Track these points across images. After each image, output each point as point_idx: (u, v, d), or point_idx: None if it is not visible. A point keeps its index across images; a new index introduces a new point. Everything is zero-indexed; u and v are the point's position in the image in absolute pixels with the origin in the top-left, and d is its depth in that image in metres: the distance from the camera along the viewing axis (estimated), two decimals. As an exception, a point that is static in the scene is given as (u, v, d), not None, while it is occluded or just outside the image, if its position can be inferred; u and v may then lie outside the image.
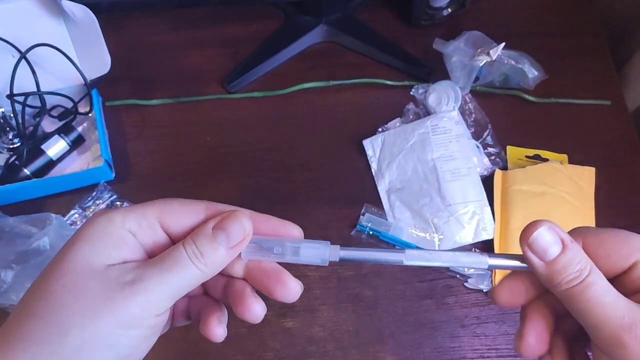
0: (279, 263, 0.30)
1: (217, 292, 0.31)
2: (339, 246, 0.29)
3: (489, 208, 0.63)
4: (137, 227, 0.27)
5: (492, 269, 0.28)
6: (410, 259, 0.29)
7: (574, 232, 0.28)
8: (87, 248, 0.26)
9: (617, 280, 0.27)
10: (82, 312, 0.24)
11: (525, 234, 0.27)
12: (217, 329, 0.29)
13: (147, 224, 0.27)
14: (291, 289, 0.29)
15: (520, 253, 0.28)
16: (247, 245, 0.28)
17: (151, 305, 0.25)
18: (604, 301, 0.25)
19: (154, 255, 0.27)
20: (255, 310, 0.29)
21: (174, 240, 0.28)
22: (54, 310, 0.24)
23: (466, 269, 0.60)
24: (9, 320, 0.25)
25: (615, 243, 0.27)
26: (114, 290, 0.25)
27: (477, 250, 0.61)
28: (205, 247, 0.27)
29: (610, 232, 0.27)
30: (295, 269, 0.31)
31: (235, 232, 0.27)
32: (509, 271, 0.30)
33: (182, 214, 0.28)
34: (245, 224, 0.27)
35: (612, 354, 0.25)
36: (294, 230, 0.30)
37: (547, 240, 0.27)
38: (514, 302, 0.30)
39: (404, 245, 0.61)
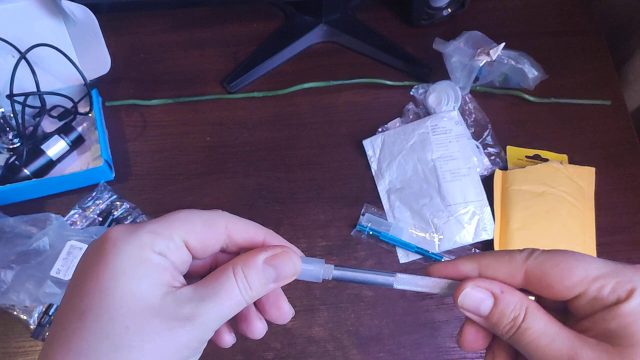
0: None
1: None
2: (332, 265, 0.30)
3: (489, 208, 0.63)
4: (166, 249, 0.27)
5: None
6: (400, 283, 0.30)
7: (518, 263, 0.28)
8: (135, 282, 0.25)
9: (568, 302, 0.27)
10: (151, 354, 0.25)
11: (455, 297, 0.29)
12: (259, 324, 0.30)
13: (174, 246, 0.27)
14: (285, 313, 0.30)
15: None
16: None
17: (207, 335, 0.26)
18: (540, 345, 0.26)
19: (183, 272, 0.28)
20: (259, 329, 0.30)
21: (194, 256, 0.28)
22: (122, 354, 0.24)
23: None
24: None
25: (557, 275, 0.27)
26: (176, 328, 0.25)
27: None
28: (255, 282, 0.27)
29: (554, 259, 0.27)
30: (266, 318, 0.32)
31: (286, 271, 0.28)
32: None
33: (206, 236, 0.28)
34: (297, 265, 0.28)
35: None
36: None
37: (476, 297, 0.28)
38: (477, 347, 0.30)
39: (404, 245, 0.62)
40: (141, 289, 0.25)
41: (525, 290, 0.28)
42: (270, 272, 0.28)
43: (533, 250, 0.28)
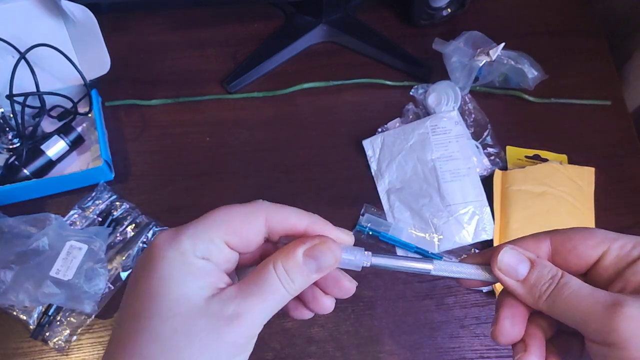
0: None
1: None
2: (370, 253, 0.30)
3: (488, 208, 0.63)
4: (207, 252, 0.27)
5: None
6: (438, 270, 0.30)
7: (542, 235, 0.30)
8: (180, 287, 0.26)
9: (590, 273, 0.29)
10: (200, 353, 0.25)
11: (493, 260, 0.29)
12: (327, 300, 0.31)
13: (215, 248, 0.27)
14: (347, 290, 0.30)
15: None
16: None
17: (253, 331, 0.27)
18: (582, 294, 0.27)
19: (228, 272, 0.28)
20: (327, 305, 0.31)
21: (238, 251, 0.29)
22: (172, 355, 0.25)
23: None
24: None
25: (580, 237, 0.28)
26: (222, 327, 0.26)
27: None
28: (297, 275, 0.27)
29: (576, 228, 0.29)
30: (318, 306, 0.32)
31: (327, 262, 0.28)
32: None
33: (245, 231, 0.28)
34: (336, 254, 0.28)
35: (607, 341, 0.25)
36: (345, 237, 0.31)
37: (514, 260, 0.29)
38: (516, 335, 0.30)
39: (403, 246, 0.61)
40: (187, 293, 0.26)
41: None
42: (311, 264, 0.28)
43: (550, 230, 0.30)
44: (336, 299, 0.31)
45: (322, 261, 0.28)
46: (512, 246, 0.29)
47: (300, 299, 0.31)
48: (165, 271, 0.26)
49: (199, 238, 0.27)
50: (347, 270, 0.30)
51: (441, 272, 0.30)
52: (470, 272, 0.30)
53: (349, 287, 0.30)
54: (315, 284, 0.30)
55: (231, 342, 0.26)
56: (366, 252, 0.30)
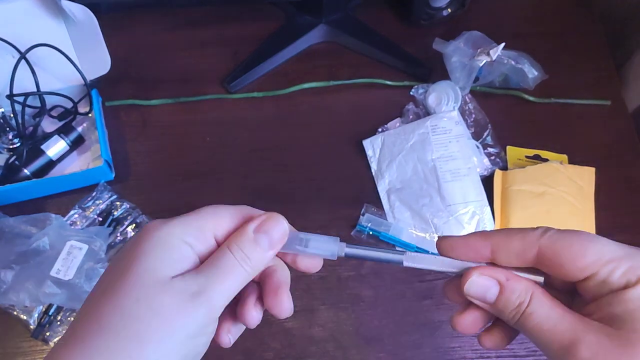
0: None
1: None
2: (345, 243, 0.31)
3: (488, 208, 0.63)
4: (194, 240, 0.28)
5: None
6: (410, 260, 0.30)
7: (528, 232, 0.29)
8: (153, 261, 0.27)
9: (577, 283, 0.28)
10: (158, 326, 0.25)
11: (461, 285, 0.29)
12: (254, 312, 0.30)
13: (203, 238, 0.29)
14: (282, 304, 0.30)
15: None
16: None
17: (214, 312, 0.27)
18: (543, 329, 0.27)
19: (205, 259, 0.29)
20: (253, 317, 0.31)
21: (219, 243, 0.30)
22: (131, 323, 0.25)
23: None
24: (78, 332, 0.26)
25: (570, 255, 0.27)
26: (184, 303, 0.26)
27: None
28: (251, 251, 0.28)
29: (570, 239, 0.27)
30: (295, 269, 0.31)
31: (276, 233, 0.29)
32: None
33: (233, 229, 0.29)
34: (284, 225, 0.29)
35: None
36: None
37: (483, 285, 0.29)
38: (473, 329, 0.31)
39: (404, 246, 0.61)
40: (156, 267, 0.26)
41: (535, 270, 0.29)
42: (263, 238, 0.29)
43: (547, 229, 0.28)
44: (272, 323, 0.32)
45: (272, 234, 0.29)
46: (480, 272, 0.29)
47: (228, 314, 0.31)
48: (144, 247, 0.27)
49: (191, 225, 0.28)
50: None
51: (413, 264, 0.30)
52: (442, 264, 0.30)
53: (286, 302, 0.30)
54: (259, 285, 0.31)
55: (192, 320, 0.26)
56: (341, 242, 0.31)
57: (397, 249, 0.30)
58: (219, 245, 0.29)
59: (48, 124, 0.67)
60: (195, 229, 0.28)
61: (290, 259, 0.31)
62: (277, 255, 0.30)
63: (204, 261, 0.29)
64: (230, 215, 0.30)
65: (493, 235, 0.29)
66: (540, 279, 0.29)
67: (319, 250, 0.31)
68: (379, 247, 0.62)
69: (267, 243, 0.29)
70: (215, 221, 0.29)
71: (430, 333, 0.59)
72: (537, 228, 0.29)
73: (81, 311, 0.27)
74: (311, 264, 0.31)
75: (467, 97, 0.69)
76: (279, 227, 0.29)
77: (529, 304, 0.27)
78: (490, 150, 0.67)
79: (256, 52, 0.73)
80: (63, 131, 0.64)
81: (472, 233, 0.30)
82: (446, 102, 0.67)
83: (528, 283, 0.28)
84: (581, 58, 0.74)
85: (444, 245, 0.30)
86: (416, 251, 0.61)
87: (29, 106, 0.63)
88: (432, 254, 0.31)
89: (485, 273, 0.29)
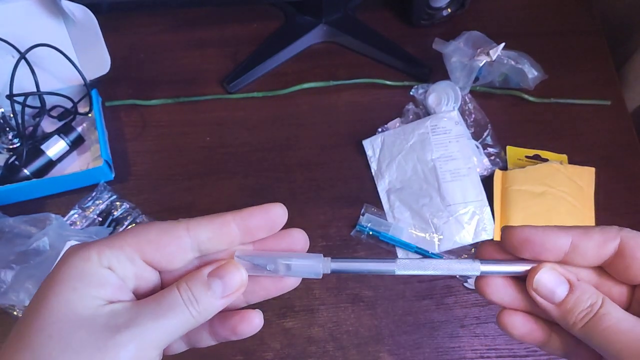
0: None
1: None
2: (329, 259, 0.28)
3: (488, 208, 0.63)
4: (115, 262, 0.25)
5: (484, 274, 0.28)
6: (402, 268, 0.28)
7: (606, 228, 0.28)
8: (68, 292, 0.24)
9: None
10: None
11: (529, 279, 0.27)
12: (256, 319, 0.28)
13: (125, 258, 0.25)
14: (253, 324, 0.28)
15: (513, 258, 0.28)
16: (240, 262, 0.28)
17: (147, 352, 0.24)
18: (621, 329, 0.25)
19: (142, 292, 0.26)
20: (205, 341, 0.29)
21: (159, 271, 0.27)
22: None
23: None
24: None
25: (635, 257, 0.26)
26: (104, 339, 0.23)
27: (466, 256, 0.61)
28: (201, 295, 0.26)
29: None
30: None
31: (232, 281, 0.26)
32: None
33: (162, 242, 0.26)
34: (242, 274, 0.27)
35: None
36: (299, 237, 0.29)
37: (552, 282, 0.27)
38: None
39: (404, 246, 0.61)
40: (73, 299, 0.24)
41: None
42: (216, 283, 0.26)
43: (621, 228, 0.27)
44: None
45: (227, 281, 0.26)
46: (553, 266, 0.27)
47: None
48: (60, 276, 0.24)
49: (108, 246, 0.25)
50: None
51: (407, 271, 0.28)
52: (437, 268, 0.28)
53: (255, 322, 0.28)
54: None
55: (113, 358, 0.23)
56: (325, 258, 0.28)
57: (385, 259, 0.28)
58: (150, 264, 0.26)
59: (48, 124, 0.67)
60: (113, 248, 0.25)
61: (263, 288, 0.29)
62: (254, 277, 0.28)
63: (142, 289, 0.26)
64: (159, 230, 0.26)
65: (571, 228, 0.27)
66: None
67: (303, 271, 0.28)
68: (377, 247, 0.62)
69: (220, 290, 0.26)
70: (138, 238, 0.26)
71: (430, 333, 0.59)
72: (612, 226, 0.28)
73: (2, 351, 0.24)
74: (285, 286, 0.29)
75: (467, 97, 0.69)
76: (236, 276, 0.26)
77: (602, 305, 0.26)
78: (490, 150, 0.67)
79: (256, 52, 0.73)
80: (63, 131, 0.64)
81: (546, 226, 0.27)
82: (446, 102, 0.67)
83: (595, 289, 0.27)
84: (581, 58, 0.74)
85: (515, 236, 0.27)
86: (415, 252, 0.61)
87: (29, 106, 0.63)
88: (424, 255, 0.30)
89: (557, 268, 0.27)
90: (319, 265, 0.28)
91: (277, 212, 0.28)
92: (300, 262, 0.28)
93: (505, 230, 0.28)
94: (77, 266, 0.25)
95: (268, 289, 0.29)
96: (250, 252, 0.28)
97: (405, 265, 0.28)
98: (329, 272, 0.28)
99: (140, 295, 0.26)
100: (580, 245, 0.27)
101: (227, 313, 0.28)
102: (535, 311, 0.28)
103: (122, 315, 0.24)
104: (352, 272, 0.28)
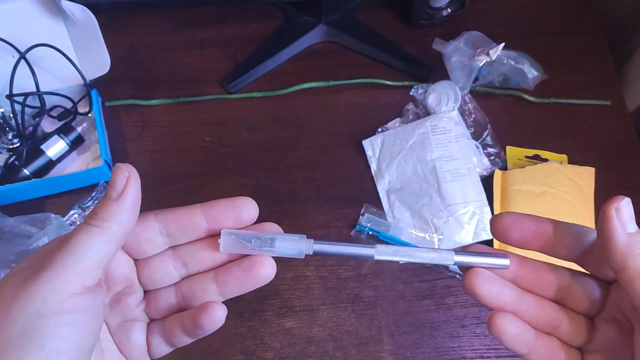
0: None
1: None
2: (312, 240, 0.29)
3: (488, 208, 0.63)
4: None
5: (458, 265, 0.30)
6: (380, 254, 0.29)
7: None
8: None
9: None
10: None
11: (613, 202, 0.28)
12: (217, 310, 0.28)
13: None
14: (263, 273, 0.29)
15: (487, 250, 0.30)
16: (225, 239, 0.29)
17: (62, 283, 0.24)
18: None
19: (114, 279, 0.28)
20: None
21: (134, 259, 0.29)
22: None
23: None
24: None
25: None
26: (22, 283, 0.24)
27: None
28: (97, 205, 0.26)
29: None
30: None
31: (118, 179, 0.27)
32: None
33: (134, 229, 0.28)
34: (124, 169, 0.28)
35: None
36: (273, 229, 0.30)
37: (631, 212, 0.28)
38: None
39: (403, 245, 0.61)
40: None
41: (502, 254, 0.29)
42: (108, 190, 0.28)
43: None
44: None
45: (115, 181, 0.27)
46: (630, 201, 0.28)
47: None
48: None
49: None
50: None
51: (384, 257, 0.29)
52: (415, 256, 0.29)
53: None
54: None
55: (32, 295, 0.23)
56: (308, 239, 0.29)
57: (365, 245, 0.28)
58: (131, 256, 0.28)
59: (48, 124, 0.67)
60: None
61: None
62: (226, 267, 0.29)
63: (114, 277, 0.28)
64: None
65: (554, 219, 0.29)
66: (506, 261, 0.29)
67: (286, 248, 0.29)
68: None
69: (113, 192, 0.27)
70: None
71: (430, 333, 0.59)
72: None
73: None
74: (258, 277, 0.29)
75: (466, 97, 0.69)
76: (119, 173, 0.28)
77: None
78: (490, 150, 0.67)
79: (256, 52, 0.73)
80: (63, 131, 0.64)
81: (531, 214, 0.29)
82: (446, 102, 0.67)
83: None
84: (581, 58, 0.74)
85: (503, 221, 0.29)
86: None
87: (29, 106, 0.63)
88: (404, 244, 0.30)
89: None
90: (302, 245, 0.29)
91: (244, 204, 0.30)
92: (284, 240, 0.29)
93: (494, 217, 0.30)
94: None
95: (240, 280, 0.29)
96: (237, 231, 0.29)
97: (383, 252, 0.29)
98: (312, 253, 0.29)
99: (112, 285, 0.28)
100: (561, 231, 0.29)
101: (194, 305, 0.29)
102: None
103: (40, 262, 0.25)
104: (334, 255, 0.29)
